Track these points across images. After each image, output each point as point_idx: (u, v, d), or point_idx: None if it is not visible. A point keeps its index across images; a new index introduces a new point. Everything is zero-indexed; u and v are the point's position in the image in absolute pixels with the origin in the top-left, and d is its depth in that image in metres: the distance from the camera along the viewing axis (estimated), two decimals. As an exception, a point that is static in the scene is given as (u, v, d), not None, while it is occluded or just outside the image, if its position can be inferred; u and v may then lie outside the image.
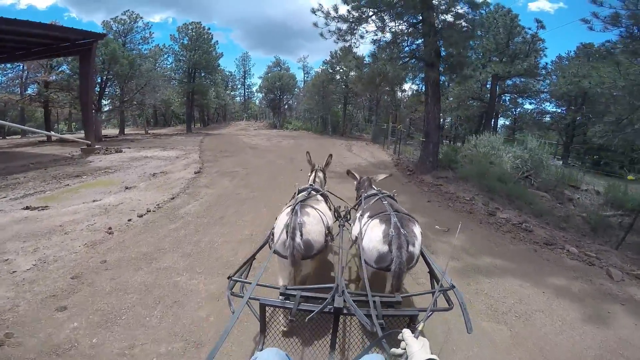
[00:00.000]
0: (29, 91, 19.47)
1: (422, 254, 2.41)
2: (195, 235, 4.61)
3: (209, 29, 25.47)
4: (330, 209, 3.00)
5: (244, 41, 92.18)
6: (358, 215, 2.68)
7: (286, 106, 36.65)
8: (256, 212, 5.57)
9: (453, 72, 8.51)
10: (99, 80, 17.58)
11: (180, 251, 4.13)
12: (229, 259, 3.91)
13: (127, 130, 27.81)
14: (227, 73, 43.16)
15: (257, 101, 45.24)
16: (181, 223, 5.07)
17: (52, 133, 16.68)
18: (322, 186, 3.40)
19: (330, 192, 3.27)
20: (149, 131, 25.80)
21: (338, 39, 10.19)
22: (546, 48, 15.38)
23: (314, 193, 2.86)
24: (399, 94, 25.76)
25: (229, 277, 2.03)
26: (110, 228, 4.88)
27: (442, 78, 9.45)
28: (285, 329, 2.31)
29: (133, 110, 22.86)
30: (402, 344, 1.09)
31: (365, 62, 9.67)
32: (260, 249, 2.50)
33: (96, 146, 12.82)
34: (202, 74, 26.79)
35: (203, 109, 36.22)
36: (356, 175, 3.60)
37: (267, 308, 1.94)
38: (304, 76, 37.50)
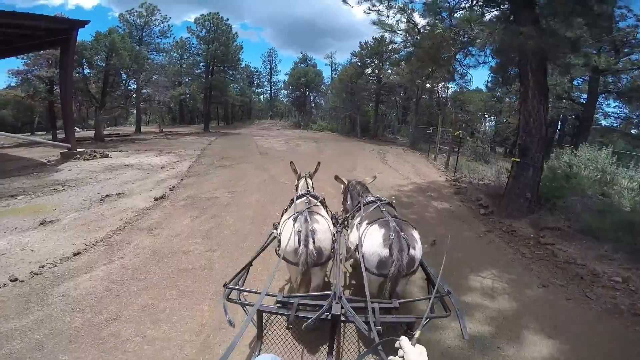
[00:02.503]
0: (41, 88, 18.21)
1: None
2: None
3: (227, 19, 23.18)
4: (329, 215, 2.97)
5: (274, 40, 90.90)
6: (356, 222, 2.60)
7: (312, 104, 33.90)
8: (185, 316, 2.78)
9: (558, 56, 5.12)
10: (101, 75, 15.80)
11: None
12: None
13: (148, 128, 26.57)
14: (253, 69, 41.21)
15: (285, 99, 42.76)
16: (28, 322, 2.52)
17: (19, 136, 15.07)
18: None
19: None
20: (163, 130, 24.23)
21: (370, 9, 7.13)
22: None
23: (313, 200, 2.76)
24: (442, 91, 22.13)
25: (224, 285, 1.91)
26: None
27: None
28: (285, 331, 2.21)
29: (143, 107, 21.13)
30: (400, 352, 1.04)
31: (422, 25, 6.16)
32: (257, 255, 2.38)
33: (78, 150, 10.82)
34: (222, 68, 24.66)
35: (227, 106, 34.33)
36: (344, 180, 3.48)
37: (263, 315, 1.91)
38: (332, 73, 34.49)
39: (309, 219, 2.27)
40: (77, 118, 27.01)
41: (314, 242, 2.17)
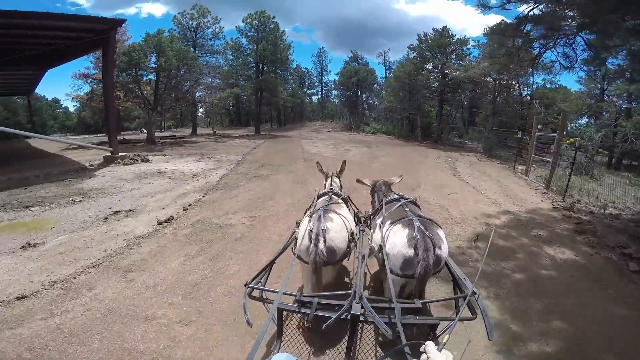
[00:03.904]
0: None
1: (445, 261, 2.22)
2: None
3: (274, 17, 22.39)
4: (351, 213, 2.90)
5: (325, 41, 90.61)
6: (379, 222, 2.49)
7: (365, 105, 31.86)
8: None
9: None
10: (154, 77, 15.94)
11: None
12: None
13: (206, 130, 27.06)
14: (304, 70, 40.50)
15: (336, 100, 41.31)
16: None
17: (58, 138, 15.52)
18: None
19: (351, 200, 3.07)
20: (217, 132, 24.45)
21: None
22: None
23: (335, 197, 2.78)
24: (523, 87, 18.67)
25: (246, 285, 1.92)
26: None
27: None
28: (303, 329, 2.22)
29: (188, 108, 21.34)
30: (423, 357, 0.97)
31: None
32: (279, 254, 2.31)
33: (120, 154, 10.57)
34: (273, 69, 24.04)
35: (279, 107, 33.99)
36: (367, 182, 3.34)
37: (283, 313, 1.88)
38: (386, 72, 32.00)
39: (322, 217, 2.21)
40: (146, 120, 29.06)
41: (324, 241, 2.10)
